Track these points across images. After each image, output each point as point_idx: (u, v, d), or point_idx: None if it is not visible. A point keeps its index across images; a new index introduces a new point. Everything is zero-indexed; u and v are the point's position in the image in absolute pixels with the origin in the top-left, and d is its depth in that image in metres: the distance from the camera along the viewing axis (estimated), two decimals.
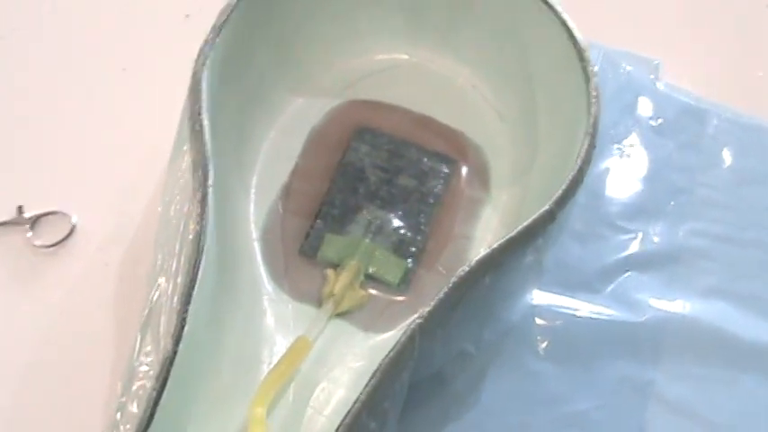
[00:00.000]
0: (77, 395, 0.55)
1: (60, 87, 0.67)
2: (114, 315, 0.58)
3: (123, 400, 0.48)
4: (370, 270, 0.57)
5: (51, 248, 0.60)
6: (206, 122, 0.50)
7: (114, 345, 0.56)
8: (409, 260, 0.58)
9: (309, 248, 0.58)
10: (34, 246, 0.60)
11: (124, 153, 0.64)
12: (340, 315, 0.56)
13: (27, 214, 0.61)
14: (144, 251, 0.58)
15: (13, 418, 0.55)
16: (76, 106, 0.66)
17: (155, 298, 0.49)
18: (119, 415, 0.48)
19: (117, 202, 0.62)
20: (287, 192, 0.60)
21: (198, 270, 0.46)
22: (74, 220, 0.61)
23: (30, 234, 0.60)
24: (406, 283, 0.57)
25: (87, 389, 0.55)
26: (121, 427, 0.48)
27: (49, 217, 0.61)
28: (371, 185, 0.60)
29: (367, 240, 0.58)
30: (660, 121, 0.68)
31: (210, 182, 0.48)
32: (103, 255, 0.60)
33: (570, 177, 0.50)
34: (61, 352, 0.57)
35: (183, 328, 0.45)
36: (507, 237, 0.48)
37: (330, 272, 0.57)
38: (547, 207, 0.49)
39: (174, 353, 0.45)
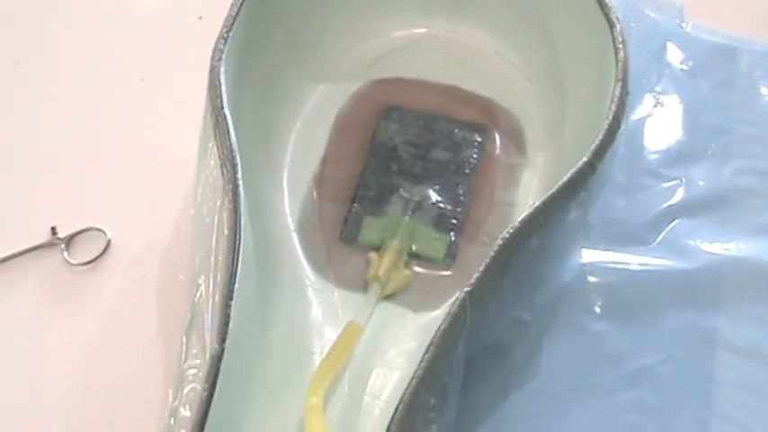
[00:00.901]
0: (130, 407, 0.54)
1: (80, 104, 0.66)
2: (158, 324, 0.57)
3: (175, 404, 0.46)
4: (414, 248, 0.56)
5: (89, 265, 0.59)
6: (228, 115, 0.49)
7: (162, 353, 0.56)
8: (452, 233, 0.57)
9: (349, 234, 0.57)
10: (71, 264, 0.59)
11: (151, 162, 0.63)
12: (387, 297, 0.55)
13: (61, 234, 0.60)
14: (181, 257, 0.57)
15: None
16: (98, 121, 0.65)
17: (196, 299, 0.48)
18: (172, 421, 0.47)
19: (149, 212, 0.61)
20: (320, 180, 0.59)
21: (237, 264, 0.45)
22: (108, 235, 0.60)
23: (66, 254, 0.59)
24: (451, 257, 0.56)
25: (140, 400, 0.54)
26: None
27: (84, 235, 0.60)
28: (405, 163, 0.59)
29: (407, 218, 0.57)
30: (691, 63, 0.66)
31: (239, 174, 0.48)
32: (141, 266, 0.59)
33: (606, 125, 0.48)
34: (110, 367, 0.56)
35: (227, 324, 0.44)
36: (549, 193, 0.46)
37: (373, 255, 0.56)
38: (586, 158, 0.47)
39: (222, 350, 0.44)
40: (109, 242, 0.60)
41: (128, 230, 0.60)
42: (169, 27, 0.70)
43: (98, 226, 0.60)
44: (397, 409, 0.42)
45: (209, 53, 0.53)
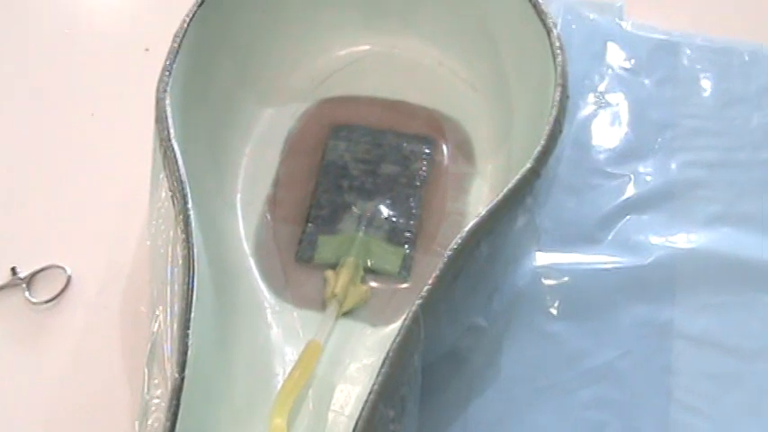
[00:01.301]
0: None
1: (33, 143, 0.67)
2: (122, 356, 0.57)
3: None
4: (369, 263, 0.57)
5: (51, 303, 0.60)
6: (176, 147, 0.49)
7: (127, 385, 0.56)
8: (406, 246, 0.57)
9: (305, 254, 0.58)
10: (34, 303, 0.59)
11: (107, 196, 0.63)
12: (346, 314, 0.55)
13: (21, 274, 0.60)
14: (141, 289, 0.57)
15: None
16: (51, 159, 0.66)
17: (155, 329, 0.48)
18: None
19: (107, 246, 0.61)
20: (273, 202, 0.59)
21: (192, 293, 0.46)
22: (68, 271, 0.60)
23: (27, 293, 0.60)
24: (406, 269, 0.57)
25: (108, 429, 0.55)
26: None
27: (44, 273, 0.61)
28: (356, 180, 0.60)
29: (361, 235, 0.57)
30: (633, 61, 0.67)
31: (190, 205, 0.48)
32: (102, 299, 0.59)
33: (548, 130, 0.49)
34: (77, 401, 0.56)
35: (185, 353, 0.45)
36: (494, 201, 0.47)
37: (329, 273, 0.56)
38: (529, 165, 0.48)
39: (182, 379, 0.44)
40: (69, 278, 0.60)
41: (87, 265, 0.61)
42: (117, 60, 0.70)
43: (58, 263, 0.61)
44: (356, 424, 0.43)
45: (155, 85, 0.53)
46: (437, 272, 0.46)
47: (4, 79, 0.70)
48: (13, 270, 0.60)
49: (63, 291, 0.60)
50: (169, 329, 0.47)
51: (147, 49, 0.70)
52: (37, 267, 0.60)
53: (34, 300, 0.59)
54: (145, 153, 0.57)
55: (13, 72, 0.71)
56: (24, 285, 0.60)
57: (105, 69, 0.70)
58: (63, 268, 0.60)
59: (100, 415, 0.55)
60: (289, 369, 0.51)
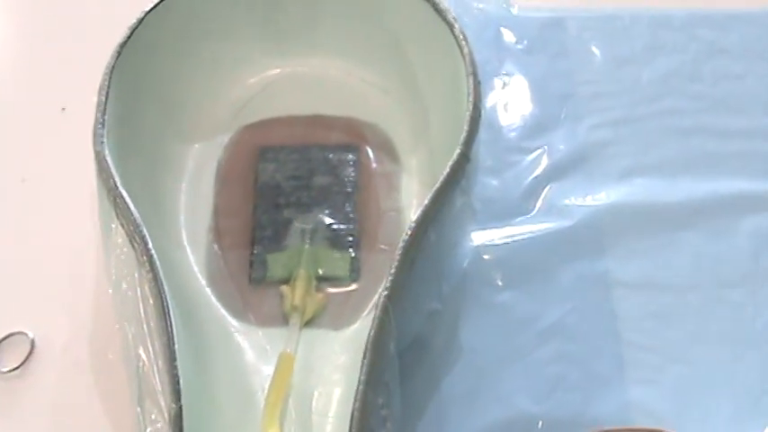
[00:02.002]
0: None
1: None
2: (101, 404, 0.58)
3: None
4: (320, 272, 0.60)
5: (19, 369, 0.61)
6: (125, 193, 0.52)
7: (111, 430, 0.57)
8: (351, 250, 0.60)
9: (258, 274, 0.60)
10: (1, 373, 0.60)
11: (52, 258, 0.64)
12: (308, 323, 0.58)
13: None
14: (105, 337, 0.60)
15: None
16: None
17: (140, 369, 0.50)
18: None
19: (64, 304, 0.63)
20: (217, 231, 0.62)
21: (171, 327, 0.48)
22: (31, 335, 0.61)
23: None
24: (356, 271, 0.60)
25: None
26: None
27: (6, 341, 0.62)
28: (291, 196, 0.63)
29: (307, 246, 0.60)
30: (526, 42, 0.72)
31: (150, 245, 0.50)
32: (69, 355, 0.61)
33: (469, 116, 0.53)
34: None
35: (178, 383, 0.47)
36: (434, 189, 0.51)
37: (285, 288, 0.59)
38: (458, 150, 0.52)
39: (180, 408, 0.47)
40: (33, 341, 0.61)
41: (48, 326, 0.62)
42: (38, 122, 0.72)
43: (19, 330, 0.62)
44: (352, 416, 0.46)
45: (80, 141, 0.56)
46: (395, 263, 0.49)
47: None
48: None
49: (29, 355, 0.61)
50: (155, 365, 0.49)
51: (63, 109, 0.71)
52: None
53: (1, 369, 0.60)
54: (81, 209, 0.60)
55: None
56: None
57: (27, 133, 0.71)
58: (25, 333, 0.61)
59: None
60: (267, 384, 0.54)
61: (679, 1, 0.74)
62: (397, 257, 0.49)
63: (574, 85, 0.69)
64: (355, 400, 0.46)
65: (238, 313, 0.59)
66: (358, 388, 0.46)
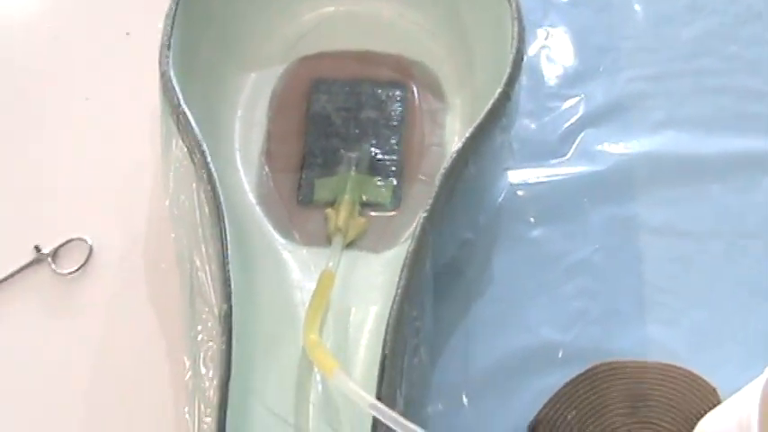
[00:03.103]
0: (144, 391, 0.60)
1: (36, 128, 0.72)
2: (152, 309, 0.63)
3: (196, 365, 0.53)
4: (364, 198, 0.63)
5: (77, 273, 0.65)
6: (188, 111, 0.55)
7: (162, 336, 0.62)
8: (393, 179, 0.64)
9: (305, 197, 0.64)
10: (62, 275, 0.64)
11: (113, 170, 0.68)
12: (350, 245, 0.62)
13: (45, 250, 0.65)
14: (159, 249, 0.64)
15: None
16: (56, 142, 0.71)
17: (194, 273, 0.54)
18: (191, 383, 0.54)
19: (122, 214, 0.67)
20: (268, 155, 0.65)
21: (225, 233, 0.52)
22: (89, 242, 0.66)
23: (53, 266, 0.65)
24: (397, 198, 0.63)
25: (150, 382, 0.60)
26: (196, 394, 0.53)
27: (66, 246, 0.66)
28: (341, 127, 0.66)
29: (352, 174, 0.64)
30: None
31: (209, 159, 0.54)
32: (125, 263, 0.65)
33: (512, 58, 0.56)
34: (117, 358, 0.62)
35: (229, 285, 0.51)
36: (476, 123, 0.54)
37: (330, 211, 0.63)
38: (500, 89, 0.56)
39: (230, 307, 0.51)
40: (91, 248, 0.65)
41: (106, 235, 0.66)
42: (101, 46, 0.75)
43: (78, 236, 0.66)
44: (388, 323, 0.50)
45: (143, 65, 0.60)
46: (435, 189, 0.53)
47: (5, 75, 0.75)
48: (37, 248, 0.65)
49: (87, 261, 0.65)
50: (207, 267, 0.53)
51: (127, 33, 0.75)
52: (59, 242, 0.65)
53: (62, 271, 0.64)
54: (140, 128, 0.64)
55: (9, 65, 0.75)
56: (49, 260, 0.65)
57: (92, 54, 0.75)
58: (84, 240, 0.66)
59: (140, 365, 0.61)
60: (308, 299, 0.57)
61: None
62: (437, 184, 0.53)
63: (614, 39, 0.72)
64: (391, 310, 0.50)
65: (285, 232, 0.63)
66: (395, 299, 0.50)
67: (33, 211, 0.68)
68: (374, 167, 0.64)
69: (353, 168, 0.64)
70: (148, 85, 0.60)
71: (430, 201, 0.52)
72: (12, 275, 0.65)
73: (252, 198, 0.64)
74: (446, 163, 0.53)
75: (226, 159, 0.64)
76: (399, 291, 0.50)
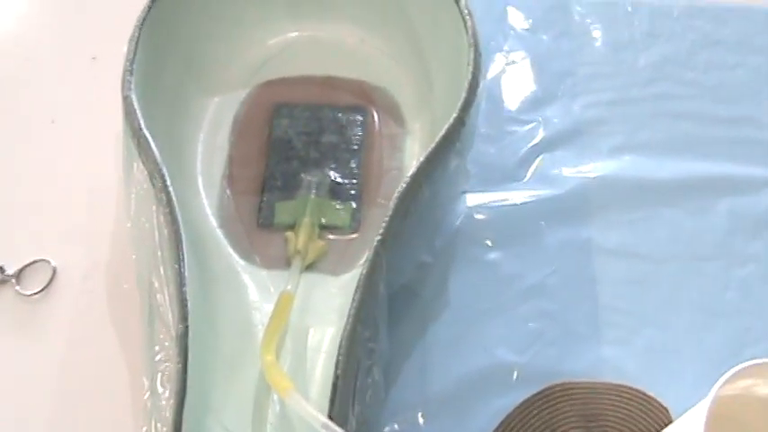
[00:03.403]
0: (104, 404, 0.61)
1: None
2: (114, 328, 0.63)
3: (154, 385, 0.54)
4: (323, 221, 0.64)
5: (41, 294, 0.65)
6: (148, 134, 0.56)
7: (122, 352, 0.62)
8: (353, 202, 0.65)
9: (265, 220, 0.65)
10: (26, 296, 0.65)
11: (76, 193, 0.69)
12: (309, 268, 0.62)
13: (9, 271, 0.66)
14: (121, 267, 0.65)
15: None
16: (17, 164, 0.72)
17: (150, 293, 0.55)
18: (149, 403, 0.54)
19: (85, 236, 0.67)
20: (230, 179, 0.66)
21: (183, 255, 0.53)
22: (53, 263, 0.66)
23: (18, 287, 0.65)
24: (356, 222, 0.64)
25: (111, 396, 0.61)
26: (154, 414, 0.54)
27: (30, 267, 0.66)
28: (301, 151, 0.67)
29: (312, 197, 0.65)
30: (530, 21, 0.76)
31: (168, 182, 0.55)
32: (88, 283, 0.66)
33: (467, 84, 0.58)
34: (79, 374, 0.62)
35: (185, 306, 0.52)
36: (431, 147, 0.55)
37: (289, 233, 0.63)
38: (455, 114, 0.57)
39: (186, 327, 0.51)
40: (54, 269, 0.66)
41: (69, 256, 0.66)
42: (67, 70, 0.76)
43: (41, 257, 0.66)
44: (340, 344, 0.51)
45: (108, 89, 0.61)
46: (390, 212, 0.54)
47: None
48: (1, 268, 0.66)
49: (50, 281, 0.66)
50: (165, 289, 0.54)
51: (94, 58, 0.76)
52: (23, 263, 0.66)
53: (26, 292, 0.65)
54: (104, 151, 0.64)
55: None
56: (14, 281, 0.65)
57: (59, 78, 0.76)
58: (48, 261, 0.66)
59: (101, 380, 0.62)
60: (267, 320, 0.58)
61: None
62: (392, 207, 0.54)
63: (573, 65, 0.73)
64: (344, 331, 0.51)
65: (245, 254, 0.63)
66: (348, 320, 0.51)
67: None
68: (334, 191, 0.65)
69: (313, 192, 0.65)
70: (113, 108, 0.60)
71: (384, 224, 0.53)
72: None
73: (213, 221, 0.64)
74: (400, 186, 0.54)
75: (188, 182, 0.65)
76: (352, 312, 0.51)
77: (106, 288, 0.65)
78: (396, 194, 0.54)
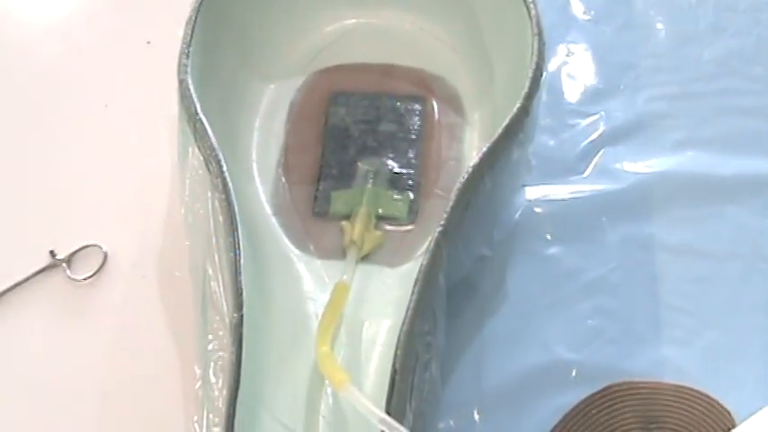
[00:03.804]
0: (155, 396, 0.60)
1: (55, 135, 0.72)
2: (165, 317, 0.63)
3: (206, 374, 0.53)
4: (379, 211, 0.63)
5: (91, 279, 0.65)
6: (204, 119, 0.55)
7: (173, 341, 0.62)
8: (410, 193, 0.64)
9: (321, 209, 0.64)
10: (76, 281, 0.65)
11: (129, 177, 0.69)
12: (365, 258, 0.61)
13: (60, 256, 0.65)
14: (173, 255, 0.64)
15: None
16: (73, 148, 0.71)
17: (204, 281, 0.54)
18: (201, 392, 0.54)
19: (137, 222, 0.67)
20: (285, 166, 0.65)
21: (238, 242, 0.52)
22: (104, 248, 0.66)
23: (68, 272, 0.65)
24: (413, 213, 0.63)
25: (162, 387, 0.60)
26: (206, 404, 0.53)
27: (81, 252, 0.66)
28: (359, 139, 0.66)
29: (369, 187, 0.64)
30: (593, 12, 0.75)
31: (224, 168, 0.54)
32: (139, 270, 0.65)
33: (531, 74, 0.56)
34: (129, 363, 0.62)
35: (240, 295, 0.51)
36: (493, 138, 0.54)
37: (345, 223, 0.62)
38: (519, 104, 0.55)
39: (241, 317, 0.50)
40: (105, 255, 0.66)
41: (121, 241, 0.66)
42: (121, 55, 0.76)
43: (93, 242, 0.66)
44: (399, 337, 0.49)
45: (163, 73, 0.60)
46: (451, 203, 0.52)
47: (27, 81, 0.75)
48: (52, 253, 0.65)
49: (101, 267, 0.65)
50: (220, 276, 0.53)
51: (148, 42, 0.75)
52: (74, 248, 0.66)
53: (76, 278, 0.65)
54: (158, 136, 0.64)
55: (30, 73, 0.76)
56: (64, 265, 0.65)
57: (113, 62, 0.75)
58: (99, 246, 0.66)
59: (152, 371, 0.61)
60: (321, 311, 0.57)
61: None
62: (453, 198, 0.53)
63: (636, 58, 0.72)
64: (403, 324, 0.49)
65: (300, 243, 0.62)
66: (407, 313, 0.50)
67: (49, 217, 0.68)
68: (391, 181, 0.64)
69: (370, 181, 0.64)
70: (168, 93, 0.59)
71: (445, 215, 0.52)
72: (26, 280, 0.65)
73: (268, 209, 0.64)
74: (462, 177, 0.53)
75: (243, 169, 0.64)
76: (411, 305, 0.50)
77: (158, 275, 0.65)
78: (457, 185, 0.53)
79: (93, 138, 0.71)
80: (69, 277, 0.65)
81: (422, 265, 0.51)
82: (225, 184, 0.54)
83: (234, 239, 0.52)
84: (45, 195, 0.69)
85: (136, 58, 0.75)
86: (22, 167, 0.70)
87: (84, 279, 0.65)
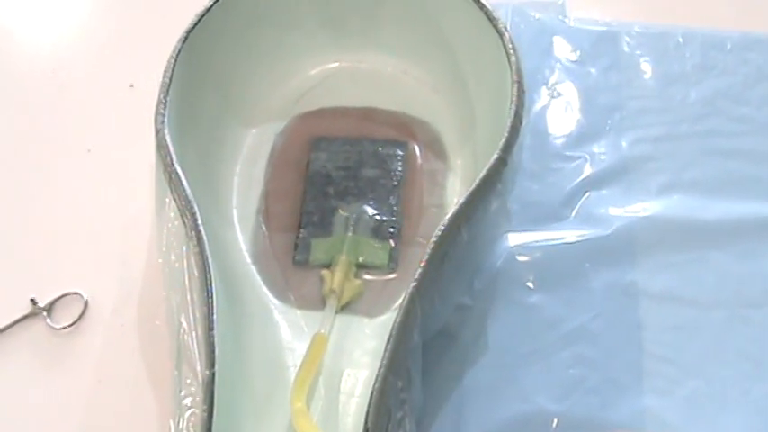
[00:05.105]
0: None
1: (36, 179, 0.72)
2: (144, 367, 0.62)
3: (177, 429, 0.52)
4: (360, 259, 0.62)
5: (71, 327, 0.64)
6: (180, 170, 0.55)
7: (152, 392, 0.61)
8: (391, 241, 0.63)
9: (301, 257, 0.63)
10: (56, 329, 0.64)
11: (110, 225, 0.68)
12: (344, 308, 0.61)
13: (41, 303, 0.65)
14: (154, 304, 0.63)
15: None
16: (54, 194, 0.71)
17: (180, 336, 0.54)
18: None
19: (117, 270, 0.66)
20: (266, 213, 0.65)
21: (212, 298, 0.51)
22: (85, 296, 0.65)
23: (49, 320, 0.64)
24: (394, 261, 0.63)
25: None
26: None
27: (62, 300, 0.65)
28: (339, 185, 0.65)
29: (349, 234, 0.63)
30: (578, 53, 0.74)
31: (199, 221, 0.53)
32: (118, 318, 0.64)
33: (510, 123, 0.55)
34: (107, 413, 0.61)
35: (213, 351, 0.50)
36: (470, 190, 0.53)
37: (325, 272, 0.62)
38: (496, 155, 0.54)
39: (213, 374, 0.50)
40: (86, 302, 0.65)
41: (101, 289, 0.65)
42: (105, 98, 0.75)
43: (74, 290, 0.65)
44: (371, 395, 0.49)
45: (145, 117, 0.59)
46: (426, 257, 0.52)
47: (8, 123, 0.75)
48: (33, 300, 0.65)
49: (82, 315, 0.65)
50: (194, 332, 0.53)
51: (131, 85, 0.75)
52: (55, 296, 0.65)
53: (56, 326, 0.64)
54: (140, 182, 0.63)
55: (10, 115, 0.76)
56: (45, 313, 0.64)
57: (96, 106, 0.75)
58: (79, 294, 0.65)
59: (129, 422, 0.60)
60: (299, 362, 0.57)
61: (733, 22, 0.75)
62: (429, 251, 0.52)
63: (621, 99, 0.71)
64: (376, 381, 0.49)
65: (279, 293, 0.62)
66: (379, 370, 0.49)
67: (30, 263, 0.68)
68: (372, 228, 0.64)
69: (351, 229, 0.63)
70: (150, 138, 0.59)
71: (419, 269, 0.51)
72: (7, 328, 0.64)
73: (247, 257, 0.63)
74: (437, 230, 0.52)
75: (222, 216, 0.64)
76: (384, 362, 0.49)
77: (138, 324, 0.64)
78: (433, 239, 0.52)
79: (76, 183, 0.71)
80: (49, 325, 0.64)
81: (395, 321, 0.50)
82: (200, 238, 0.53)
83: (207, 295, 0.52)
84: (26, 241, 0.69)
85: (119, 102, 0.75)
86: (2, 214, 0.70)
87: (64, 328, 0.64)
